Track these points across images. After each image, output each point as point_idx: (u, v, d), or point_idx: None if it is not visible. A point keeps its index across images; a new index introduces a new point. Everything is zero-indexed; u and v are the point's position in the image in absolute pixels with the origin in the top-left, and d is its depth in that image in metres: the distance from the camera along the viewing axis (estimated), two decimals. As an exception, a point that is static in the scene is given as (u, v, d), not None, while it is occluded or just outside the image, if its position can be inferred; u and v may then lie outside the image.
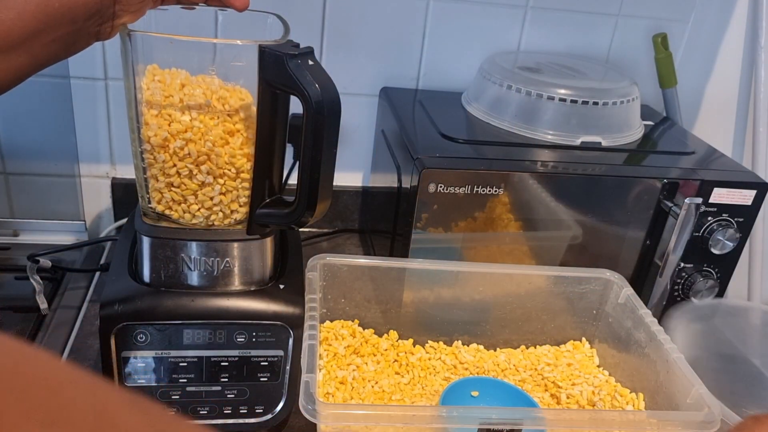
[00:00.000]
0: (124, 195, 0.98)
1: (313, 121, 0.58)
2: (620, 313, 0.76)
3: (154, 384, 0.64)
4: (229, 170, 0.64)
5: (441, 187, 0.73)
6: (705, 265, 0.82)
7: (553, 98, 0.84)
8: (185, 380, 0.64)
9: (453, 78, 1.01)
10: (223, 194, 0.65)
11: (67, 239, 0.96)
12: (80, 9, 0.52)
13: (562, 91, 0.84)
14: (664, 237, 0.80)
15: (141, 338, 0.63)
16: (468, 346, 0.79)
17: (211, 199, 0.65)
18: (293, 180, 0.66)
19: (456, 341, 0.79)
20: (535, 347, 0.80)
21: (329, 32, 0.95)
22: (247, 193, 0.66)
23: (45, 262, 0.79)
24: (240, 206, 0.67)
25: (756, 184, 0.79)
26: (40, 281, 0.78)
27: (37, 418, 0.22)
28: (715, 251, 0.80)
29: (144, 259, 0.67)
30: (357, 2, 0.93)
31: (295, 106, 0.62)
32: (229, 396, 0.64)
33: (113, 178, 0.98)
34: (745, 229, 0.80)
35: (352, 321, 0.77)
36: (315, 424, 0.55)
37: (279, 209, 0.66)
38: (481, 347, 0.79)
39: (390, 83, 1.00)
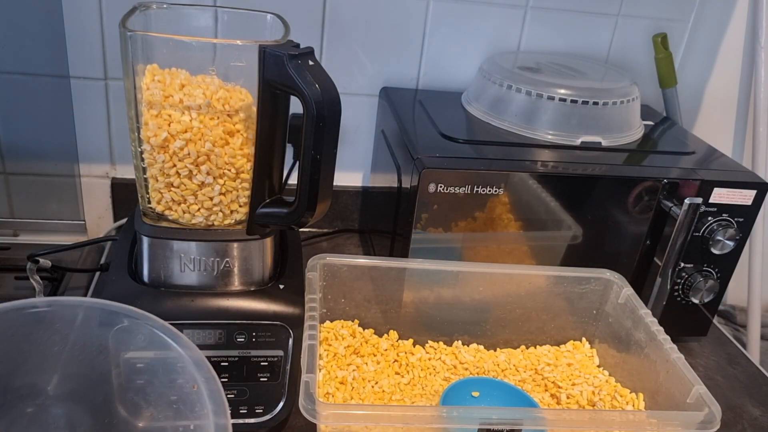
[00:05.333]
0: (124, 195, 0.98)
1: (313, 121, 0.58)
2: (620, 313, 0.76)
3: (154, 384, 0.64)
4: (229, 170, 0.64)
5: (441, 187, 0.73)
6: (705, 265, 0.82)
7: (553, 98, 0.84)
8: (185, 380, 0.64)
9: (453, 78, 1.01)
10: (223, 194, 0.65)
11: (67, 239, 0.96)
12: None
13: (562, 91, 0.84)
14: (664, 237, 0.80)
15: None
16: (468, 346, 0.79)
17: (211, 199, 0.65)
18: (293, 180, 0.66)
19: (456, 341, 0.79)
20: (535, 347, 0.80)
21: (329, 32, 0.95)
22: (247, 193, 0.66)
23: (45, 262, 0.79)
24: (240, 206, 0.67)
25: (756, 184, 0.79)
26: (40, 281, 0.78)
27: None
28: (715, 251, 0.80)
29: (144, 259, 0.68)
30: (357, 2, 0.93)
31: (295, 106, 0.62)
32: (229, 396, 0.64)
33: (113, 178, 0.98)
34: (745, 229, 0.80)
35: (352, 321, 0.77)
36: (315, 424, 0.55)
37: (279, 209, 0.66)
38: (481, 347, 0.79)
39: (390, 83, 1.00)
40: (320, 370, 0.71)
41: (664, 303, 0.81)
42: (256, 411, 0.64)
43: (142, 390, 0.56)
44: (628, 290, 0.76)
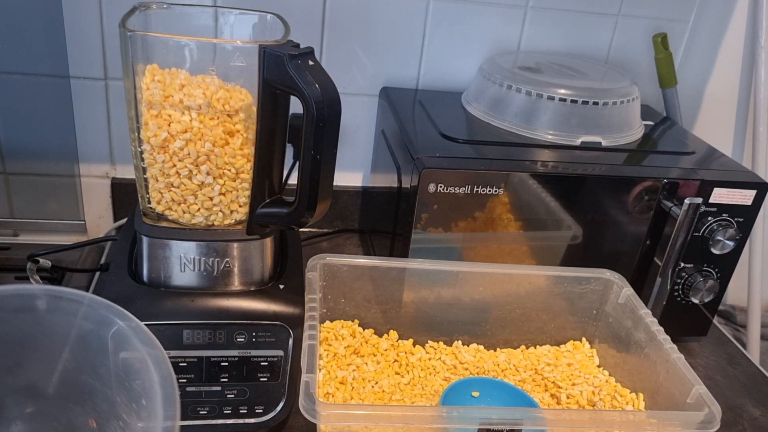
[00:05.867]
0: (124, 195, 0.98)
1: (313, 121, 0.58)
2: (620, 313, 0.76)
3: (153, 384, 0.64)
4: (229, 170, 0.64)
5: (441, 187, 0.73)
6: (705, 265, 0.82)
7: (553, 98, 0.84)
8: (185, 380, 0.64)
9: (453, 78, 1.01)
10: (223, 194, 0.65)
11: (67, 239, 0.96)
12: None
13: (562, 91, 0.84)
14: (664, 237, 0.80)
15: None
16: (468, 346, 0.79)
17: (211, 199, 0.65)
18: (293, 180, 0.66)
19: (456, 341, 0.79)
20: (535, 347, 0.80)
21: (329, 32, 0.95)
22: (247, 193, 0.66)
23: (45, 262, 0.79)
24: (240, 206, 0.67)
25: (756, 184, 0.79)
26: (40, 281, 0.78)
27: None
28: (715, 251, 0.80)
29: (144, 259, 0.68)
30: (357, 2, 0.93)
31: (295, 106, 0.62)
32: (229, 396, 0.64)
33: (113, 178, 0.98)
34: (745, 229, 0.80)
35: (352, 321, 0.77)
36: (315, 424, 0.55)
37: (279, 209, 0.66)
38: (481, 347, 0.79)
39: (390, 83, 1.00)
40: (320, 370, 0.71)
41: (664, 303, 0.81)
42: (256, 411, 0.64)
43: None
44: (628, 290, 0.76)
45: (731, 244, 0.79)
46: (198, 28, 0.73)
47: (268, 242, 0.69)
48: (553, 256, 0.81)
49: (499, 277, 0.77)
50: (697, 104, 1.11)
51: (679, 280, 0.82)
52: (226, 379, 0.65)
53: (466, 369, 0.76)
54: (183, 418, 0.55)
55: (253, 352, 0.66)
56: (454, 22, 0.98)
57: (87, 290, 0.85)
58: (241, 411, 0.64)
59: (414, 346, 0.78)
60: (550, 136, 0.84)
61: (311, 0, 0.92)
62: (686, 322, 0.86)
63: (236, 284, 0.69)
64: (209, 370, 0.65)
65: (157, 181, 0.64)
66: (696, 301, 0.82)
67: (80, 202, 0.99)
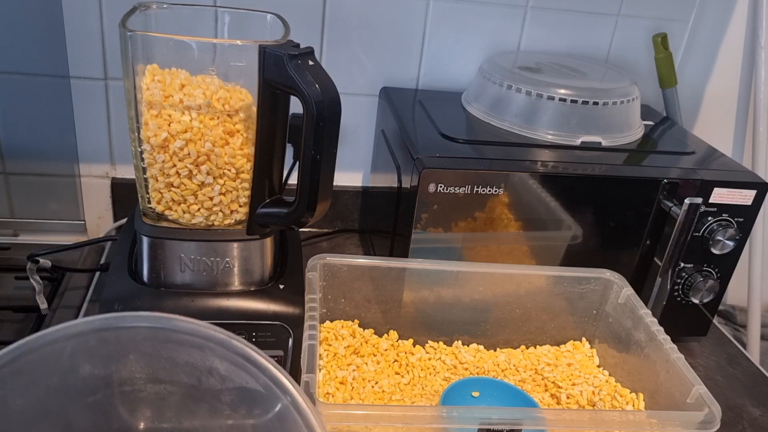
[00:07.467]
0: (124, 195, 0.98)
1: (313, 121, 0.58)
2: (620, 313, 0.76)
3: (154, 384, 0.64)
4: (229, 170, 0.64)
5: (441, 187, 0.73)
6: (705, 265, 0.82)
7: (553, 98, 0.84)
8: (185, 380, 0.64)
9: (453, 78, 1.01)
10: (223, 194, 0.65)
11: (67, 239, 0.96)
12: None
13: (562, 91, 0.84)
14: (664, 237, 0.80)
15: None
16: (468, 346, 0.79)
17: (211, 199, 0.65)
18: (293, 180, 0.66)
19: (456, 341, 0.79)
20: (535, 347, 0.80)
21: (329, 32, 0.95)
22: (247, 193, 0.66)
23: (45, 262, 0.79)
24: (240, 206, 0.67)
25: (756, 184, 0.79)
26: (40, 281, 0.78)
27: None
28: (715, 251, 0.80)
29: (144, 259, 0.68)
30: (357, 2, 0.94)
31: (295, 106, 0.62)
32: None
33: (113, 178, 0.98)
34: (745, 229, 0.80)
35: (352, 321, 0.77)
36: (315, 424, 0.55)
37: (279, 209, 0.66)
38: (481, 347, 0.79)
39: (390, 83, 1.00)
40: (320, 370, 0.71)
41: (664, 303, 0.81)
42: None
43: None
44: (628, 290, 0.76)
45: (731, 244, 0.79)
46: (198, 28, 0.73)
47: (268, 242, 0.69)
48: (553, 256, 0.81)
49: (499, 277, 0.77)
50: (697, 104, 1.11)
51: (679, 280, 0.82)
52: (226, 379, 0.65)
53: (466, 369, 0.76)
54: (183, 418, 0.55)
55: (253, 352, 0.66)
56: (454, 22, 0.98)
57: (87, 290, 0.86)
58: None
59: (414, 346, 0.78)
60: (550, 136, 0.84)
61: (311, 0, 0.92)
62: (686, 322, 0.86)
63: (236, 284, 0.69)
64: (209, 370, 0.65)
65: (157, 181, 0.64)
66: (696, 301, 0.82)
67: (80, 202, 0.99)
